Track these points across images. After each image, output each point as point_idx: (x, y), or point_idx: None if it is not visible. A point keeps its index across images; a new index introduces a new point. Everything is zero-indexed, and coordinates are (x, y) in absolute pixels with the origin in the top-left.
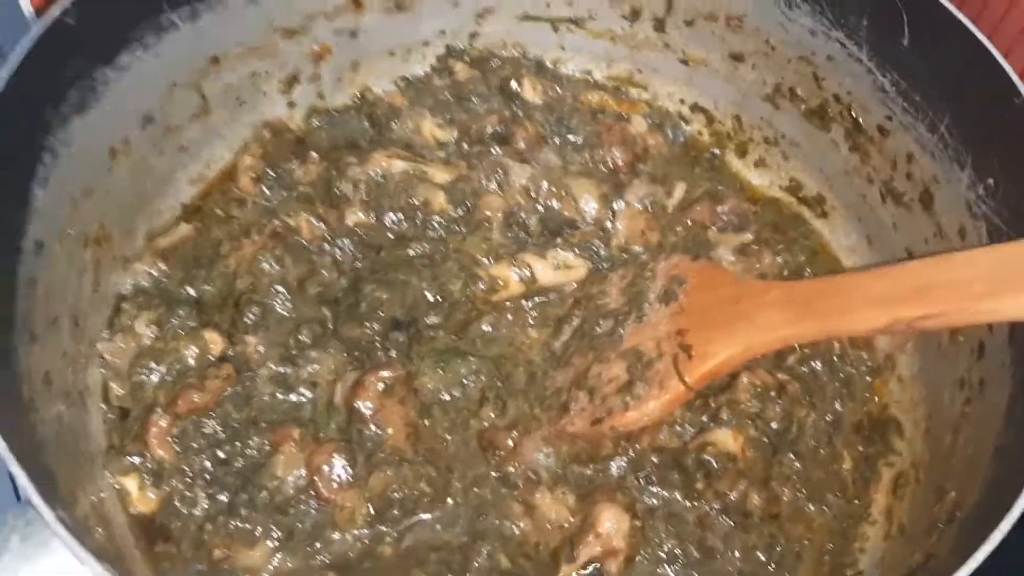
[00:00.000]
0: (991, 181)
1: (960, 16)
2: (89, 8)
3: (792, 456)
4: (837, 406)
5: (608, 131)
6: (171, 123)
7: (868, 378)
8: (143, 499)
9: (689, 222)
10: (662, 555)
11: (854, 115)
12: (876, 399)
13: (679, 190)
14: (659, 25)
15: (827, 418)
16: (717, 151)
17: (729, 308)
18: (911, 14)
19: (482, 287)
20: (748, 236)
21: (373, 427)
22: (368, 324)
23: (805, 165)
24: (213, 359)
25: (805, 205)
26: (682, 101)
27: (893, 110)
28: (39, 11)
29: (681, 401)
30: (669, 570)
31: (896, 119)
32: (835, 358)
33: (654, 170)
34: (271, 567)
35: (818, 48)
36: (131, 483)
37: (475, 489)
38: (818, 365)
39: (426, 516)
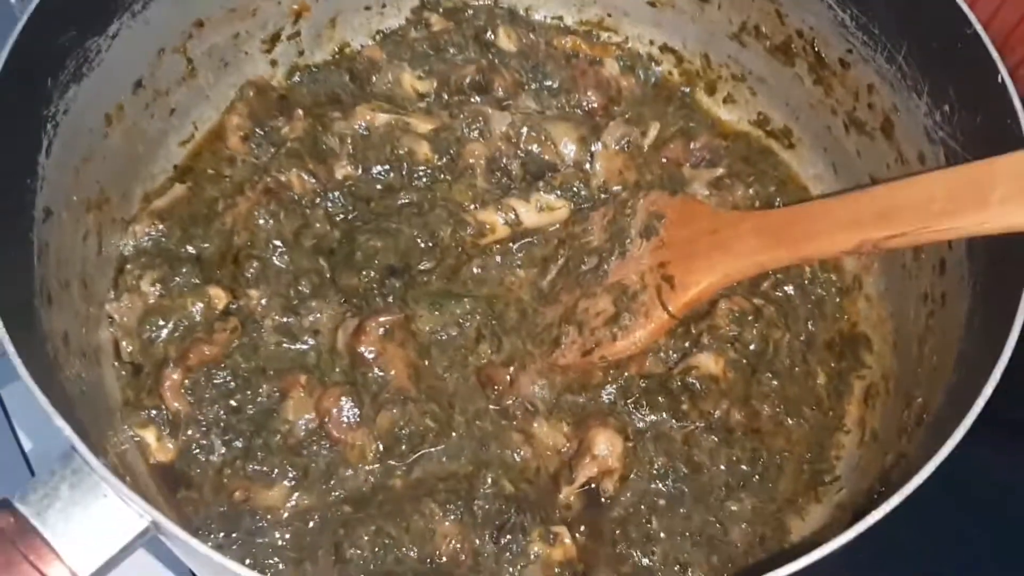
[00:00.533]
0: (947, 107)
1: None
2: None
3: (770, 375)
4: (810, 326)
5: (582, 75)
6: (160, 87)
7: (838, 298)
8: (162, 449)
9: (664, 160)
10: (654, 472)
11: (816, 50)
12: (846, 318)
13: (653, 130)
14: None
15: (801, 338)
16: (687, 89)
17: (707, 239)
18: None
19: (470, 232)
20: (720, 170)
21: (376, 370)
22: (364, 272)
23: (771, 100)
24: (218, 313)
25: (773, 138)
26: (652, 42)
27: (853, 43)
28: None
29: (665, 329)
30: (661, 485)
31: (856, 52)
32: (806, 281)
33: (628, 111)
34: (290, 504)
35: None
36: (149, 435)
37: (477, 422)
38: (791, 289)
39: (432, 449)
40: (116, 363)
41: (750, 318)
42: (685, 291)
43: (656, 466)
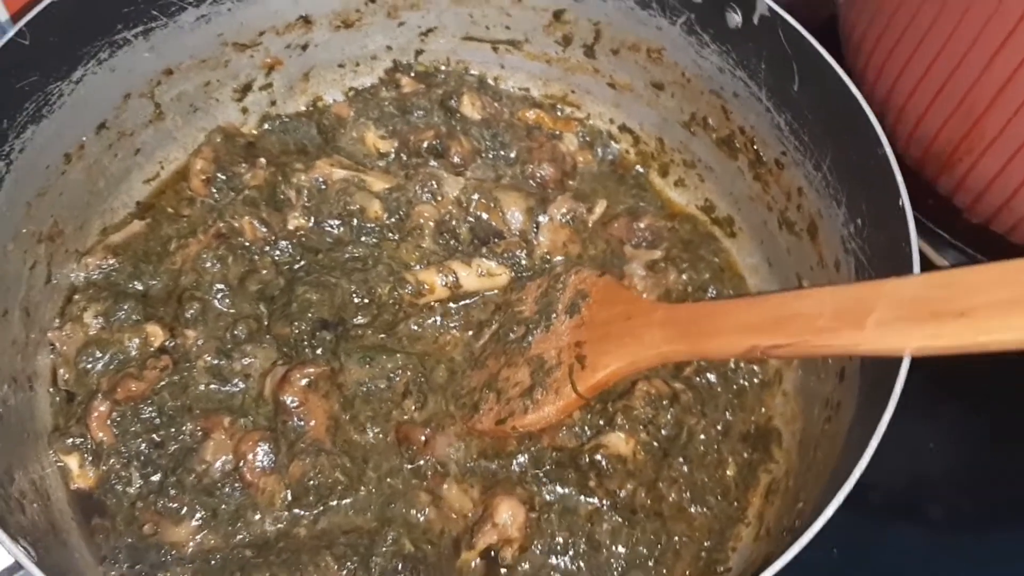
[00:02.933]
0: (859, 221)
1: (837, 68)
2: (43, 29)
3: (681, 460)
4: (727, 415)
5: (540, 148)
6: (125, 128)
7: (758, 391)
8: (83, 476)
9: (608, 237)
10: (555, 546)
11: (756, 148)
12: (763, 410)
13: (599, 207)
14: (589, 52)
15: (717, 426)
16: (642, 169)
17: (621, 324)
18: (799, 63)
19: (409, 290)
20: (659, 253)
21: (296, 419)
22: (297, 323)
23: (718, 188)
24: (153, 350)
25: (717, 225)
26: (611, 121)
27: (787, 147)
28: (16, 17)
29: (574, 407)
30: (559, 560)
31: (790, 155)
32: (729, 371)
33: (582, 185)
34: (195, 542)
35: (726, 84)
36: (73, 461)
37: (388, 479)
38: (713, 377)
39: (340, 502)
40: (51, 389)
41: (666, 402)
42: (594, 373)
43: (557, 540)
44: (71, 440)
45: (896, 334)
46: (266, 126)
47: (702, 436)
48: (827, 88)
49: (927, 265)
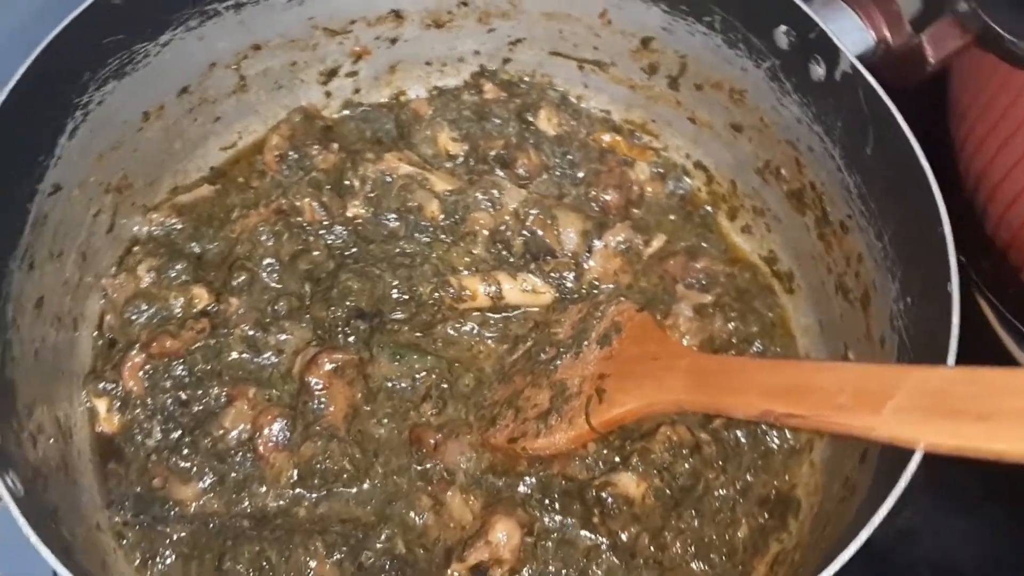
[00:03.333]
0: (909, 299)
1: (911, 139)
2: None
3: (692, 512)
4: (748, 476)
5: (608, 172)
6: (207, 96)
7: (786, 456)
8: (108, 420)
9: (662, 272)
10: (544, 574)
11: (824, 206)
12: (787, 477)
13: (657, 241)
14: (673, 83)
15: (736, 484)
16: (710, 209)
17: (647, 364)
18: (876, 126)
19: (451, 293)
20: (709, 298)
21: (317, 401)
22: (334, 308)
23: (783, 241)
24: (195, 312)
25: (777, 278)
26: (687, 156)
27: (853, 210)
28: None
29: (585, 439)
30: None
31: (855, 219)
32: (760, 431)
33: (646, 216)
34: (198, 504)
35: (802, 136)
36: (102, 405)
37: (394, 477)
38: (741, 435)
39: (343, 490)
40: (96, 333)
41: (686, 451)
42: (609, 408)
43: (549, 569)
44: (104, 384)
45: (911, 425)
46: (346, 112)
47: (719, 492)
48: (899, 157)
49: (1007, 360)
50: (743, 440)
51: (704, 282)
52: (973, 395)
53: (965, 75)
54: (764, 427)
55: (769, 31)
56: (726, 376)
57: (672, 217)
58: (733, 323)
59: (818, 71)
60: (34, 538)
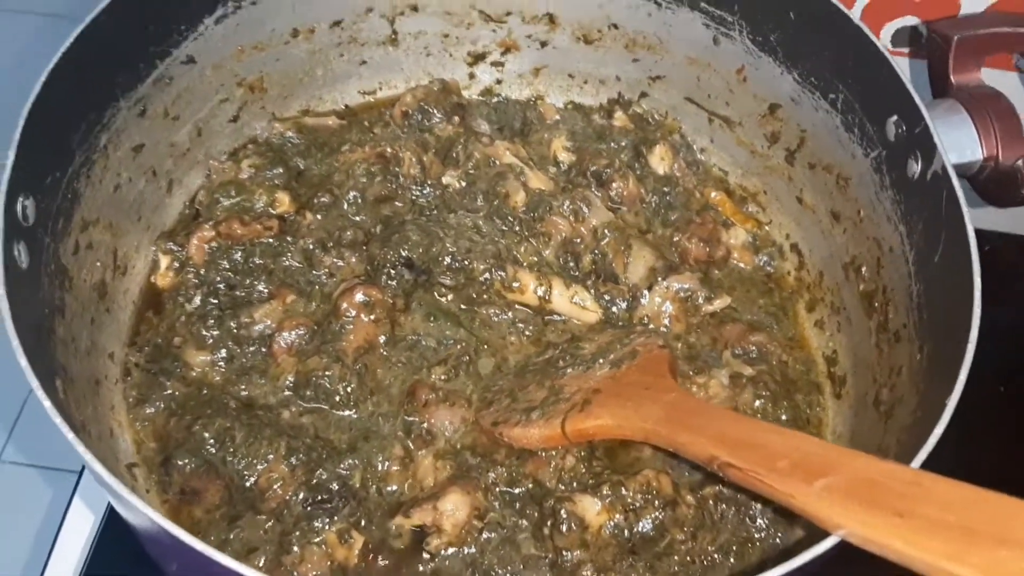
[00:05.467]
0: (919, 413)
1: (975, 262)
2: None
3: (644, 565)
4: (718, 556)
5: (701, 224)
6: (359, 37)
7: (761, 552)
8: (164, 276)
9: (717, 336)
10: (478, 563)
11: (888, 312)
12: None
13: (720, 301)
14: (790, 157)
15: (702, 559)
16: (794, 295)
17: (638, 390)
18: (948, 233)
19: (501, 279)
20: (750, 372)
21: (340, 325)
22: (387, 250)
23: (848, 343)
24: (273, 213)
25: (831, 380)
26: (787, 237)
27: (910, 320)
28: None
29: (555, 443)
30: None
31: (908, 329)
32: (748, 517)
33: (725, 280)
34: (201, 371)
35: (887, 236)
36: (164, 260)
37: (379, 418)
38: (729, 511)
39: (330, 411)
40: (187, 201)
41: (659, 503)
42: (585, 419)
43: (483, 559)
44: (172, 244)
45: (833, 505)
46: (483, 98)
47: (679, 558)
48: (957, 277)
49: None
50: (728, 517)
51: (753, 356)
52: (902, 493)
53: None
54: (753, 514)
55: (883, 119)
56: (694, 416)
57: (749, 290)
58: (761, 402)
59: (914, 167)
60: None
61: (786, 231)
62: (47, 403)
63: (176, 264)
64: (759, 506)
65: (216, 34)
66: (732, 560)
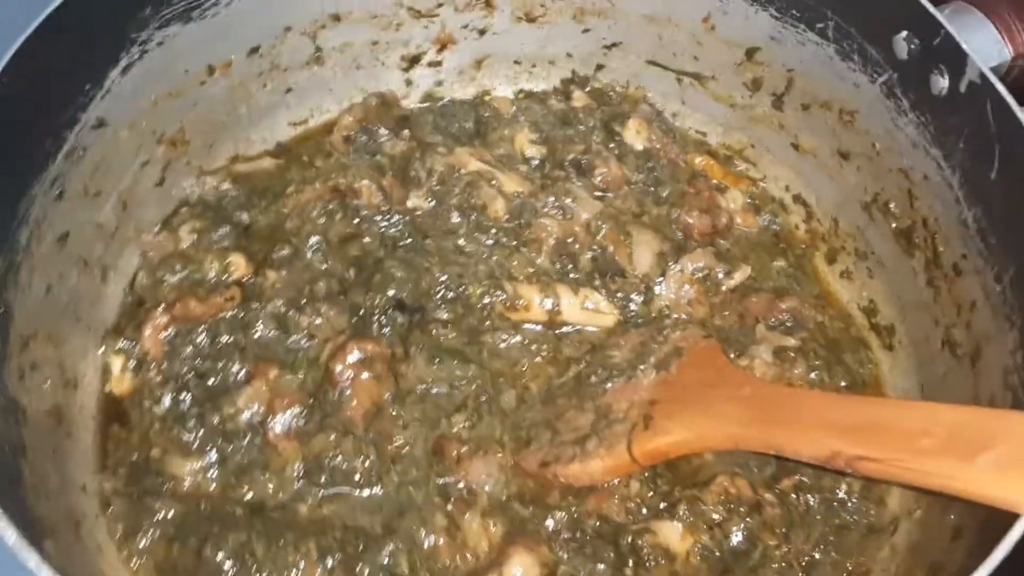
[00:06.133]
0: None
1: None
2: None
3: None
4: (816, 553)
5: (697, 195)
6: (280, 62)
7: (863, 534)
8: (120, 381)
9: (743, 311)
10: None
11: (936, 246)
12: (862, 559)
13: (740, 273)
14: (777, 102)
15: (801, 561)
16: (808, 250)
17: (703, 391)
18: (1003, 146)
19: (503, 299)
20: (793, 342)
21: (340, 392)
22: (372, 295)
23: (887, 289)
24: (230, 281)
25: (876, 332)
26: (787, 188)
27: (970, 249)
28: None
29: (624, 471)
30: None
31: (970, 260)
32: (836, 501)
33: (733, 248)
34: (193, 482)
35: (917, 163)
36: (117, 363)
37: (410, 487)
38: (814, 501)
39: (352, 493)
40: (126, 289)
41: (744, 509)
42: (654, 437)
43: None
44: (123, 342)
45: (1014, 483)
46: (427, 104)
47: (779, 565)
48: None
49: None
50: (814, 507)
51: (789, 324)
52: None
53: None
54: (843, 496)
55: (888, 38)
56: (791, 409)
57: (761, 254)
58: (816, 372)
59: (940, 83)
60: None
61: (784, 183)
62: None
63: (132, 364)
64: (844, 486)
65: (125, 88)
66: (833, 553)
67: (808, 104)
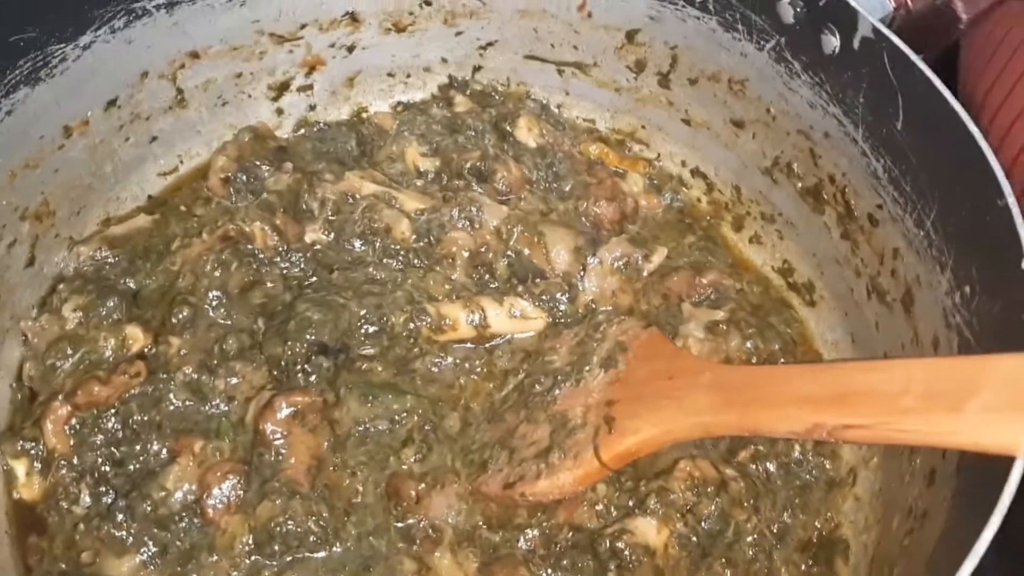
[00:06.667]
0: (967, 289)
1: (953, 102)
2: None
3: (723, 563)
4: (785, 517)
5: (599, 184)
6: (140, 111)
7: (825, 491)
8: (28, 486)
9: (665, 291)
10: None
11: (847, 199)
12: (829, 515)
13: (658, 255)
14: (663, 80)
15: (772, 528)
16: (713, 221)
17: (661, 383)
18: (906, 95)
19: (428, 323)
20: (721, 314)
21: (274, 453)
22: (292, 344)
23: (799, 248)
24: (130, 355)
25: (794, 291)
26: (683, 164)
27: (884, 198)
28: None
29: (594, 478)
30: None
31: (886, 208)
32: (793, 463)
33: (642, 231)
34: None
35: (816, 123)
36: (20, 467)
37: (371, 538)
38: (772, 466)
39: (310, 556)
40: (14, 384)
41: (711, 489)
42: (621, 438)
43: None
44: (22, 444)
45: (1007, 426)
46: (302, 131)
47: (751, 537)
48: (939, 127)
49: None
50: (774, 474)
51: (714, 297)
52: None
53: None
54: (798, 458)
55: (771, 5)
56: (759, 388)
57: (671, 232)
58: (751, 341)
59: (832, 42)
60: None
61: (680, 159)
62: None
63: (38, 465)
64: (798, 447)
65: None
66: (800, 514)
67: (695, 78)
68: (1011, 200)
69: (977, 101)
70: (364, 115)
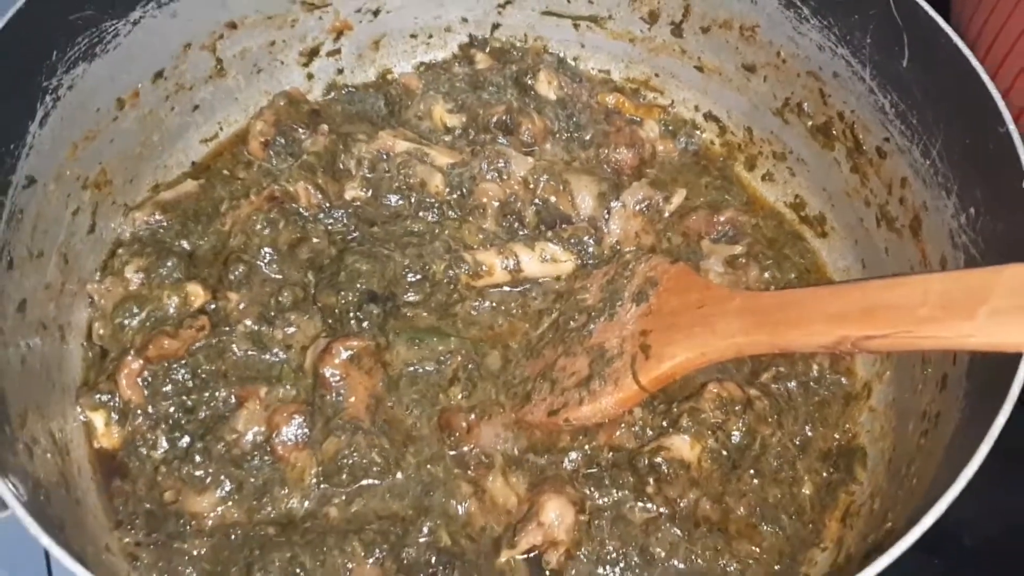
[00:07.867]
0: (972, 210)
1: (956, 39)
2: None
3: (752, 472)
4: (807, 430)
5: (617, 132)
6: (184, 81)
7: (843, 404)
8: (107, 435)
9: (685, 230)
10: (604, 555)
11: (856, 135)
12: (847, 426)
13: (677, 196)
14: (676, 30)
15: (795, 440)
16: (727, 161)
17: (692, 312)
18: (911, 34)
19: (466, 270)
20: (739, 248)
21: (335, 394)
22: (344, 293)
23: (810, 183)
24: (193, 310)
25: (806, 224)
26: (697, 108)
27: (891, 132)
28: None
29: (634, 401)
30: (608, 571)
31: (893, 141)
32: (812, 381)
33: (661, 174)
34: (216, 515)
35: (825, 64)
36: (99, 419)
37: (428, 466)
38: (793, 385)
39: (375, 485)
40: (85, 343)
41: (738, 408)
42: (659, 363)
43: (607, 549)
44: (99, 396)
45: (1015, 326)
46: (332, 95)
47: (777, 449)
48: (942, 62)
49: None
50: (795, 391)
51: (731, 234)
52: None
53: None
54: (816, 375)
55: None
56: (787, 309)
57: (687, 174)
58: (769, 271)
59: None
60: (46, 540)
61: (693, 104)
62: None
63: (115, 416)
64: (816, 366)
65: (45, 139)
66: (820, 427)
67: (707, 27)
68: (1012, 127)
69: (971, 38)
70: (389, 76)
